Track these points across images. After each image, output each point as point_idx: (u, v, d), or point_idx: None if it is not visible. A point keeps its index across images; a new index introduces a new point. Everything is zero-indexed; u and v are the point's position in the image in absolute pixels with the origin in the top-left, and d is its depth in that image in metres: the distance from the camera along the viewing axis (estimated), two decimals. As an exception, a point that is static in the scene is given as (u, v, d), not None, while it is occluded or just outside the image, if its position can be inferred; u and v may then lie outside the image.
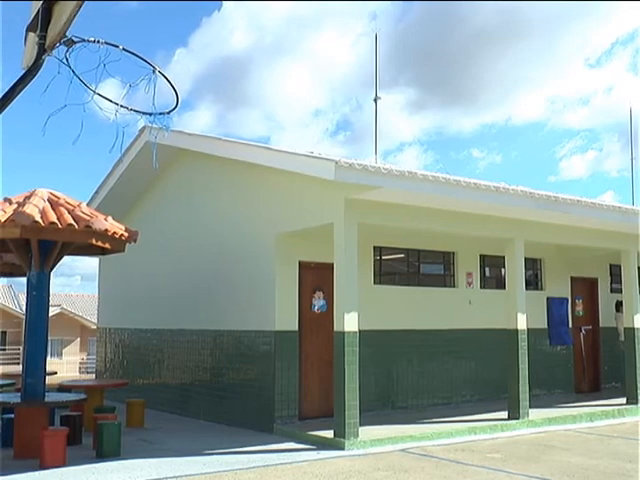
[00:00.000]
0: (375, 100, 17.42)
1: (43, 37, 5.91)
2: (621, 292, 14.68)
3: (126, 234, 10.09)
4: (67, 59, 6.60)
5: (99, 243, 9.67)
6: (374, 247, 12.61)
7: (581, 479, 8.05)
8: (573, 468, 8.66)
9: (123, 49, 7.06)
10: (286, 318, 11.31)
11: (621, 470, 8.60)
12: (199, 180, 13.72)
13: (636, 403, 13.71)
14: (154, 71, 7.41)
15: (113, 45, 6.94)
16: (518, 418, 11.73)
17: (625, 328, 14.43)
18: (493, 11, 46.46)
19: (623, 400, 13.99)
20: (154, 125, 8.00)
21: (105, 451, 9.31)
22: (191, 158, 13.65)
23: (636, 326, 14.12)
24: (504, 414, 11.95)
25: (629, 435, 11.39)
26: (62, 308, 45.63)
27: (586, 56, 60.98)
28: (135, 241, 10.45)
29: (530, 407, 12.00)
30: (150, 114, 7.79)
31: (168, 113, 7.88)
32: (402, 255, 13.29)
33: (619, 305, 15.60)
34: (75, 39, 6.42)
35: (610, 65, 61.35)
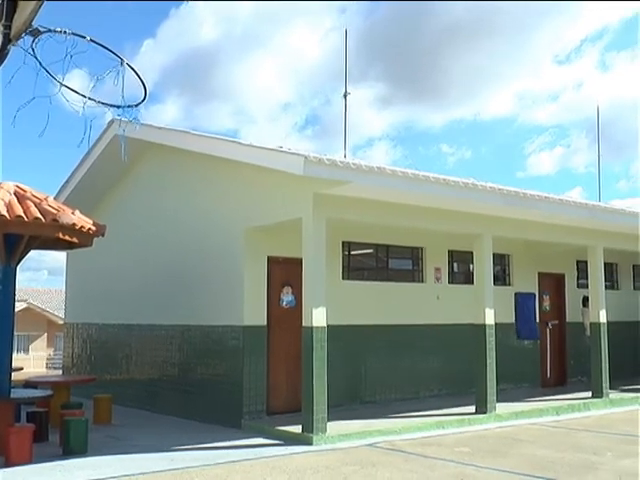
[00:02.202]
0: (345, 96, 17.43)
1: (8, 27, 5.81)
2: (587, 287, 14.88)
3: (94, 228, 10.00)
4: (33, 50, 6.50)
5: (66, 237, 9.57)
6: (343, 242, 12.64)
7: (548, 472, 8.13)
8: (540, 461, 8.74)
9: (90, 40, 6.97)
10: (254, 313, 11.28)
11: (587, 462, 8.70)
12: (168, 174, 13.63)
13: (601, 397, 13.89)
14: (122, 63, 7.32)
15: (80, 36, 6.84)
16: (485, 412, 11.81)
17: (591, 323, 14.61)
18: (464, 7, 46.73)
19: (589, 394, 14.17)
20: (122, 118, 7.92)
21: (72, 448, 9.22)
22: (160, 152, 13.55)
23: (602, 321, 14.29)
24: (472, 408, 12.03)
25: (594, 428, 11.52)
26: (29, 303, 45.16)
27: (556, 53, 61.65)
28: (103, 235, 10.36)
29: (497, 401, 12.10)
30: (118, 107, 7.70)
31: (136, 106, 7.80)
32: (371, 250, 13.33)
33: (585, 300, 15.77)
34: (41, 29, 6.31)
35: (579, 62, 62.15)
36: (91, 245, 10.48)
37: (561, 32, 52.95)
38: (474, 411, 11.94)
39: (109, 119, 13.44)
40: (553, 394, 14.48)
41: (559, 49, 60.92)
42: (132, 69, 7.44)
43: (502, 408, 12.16)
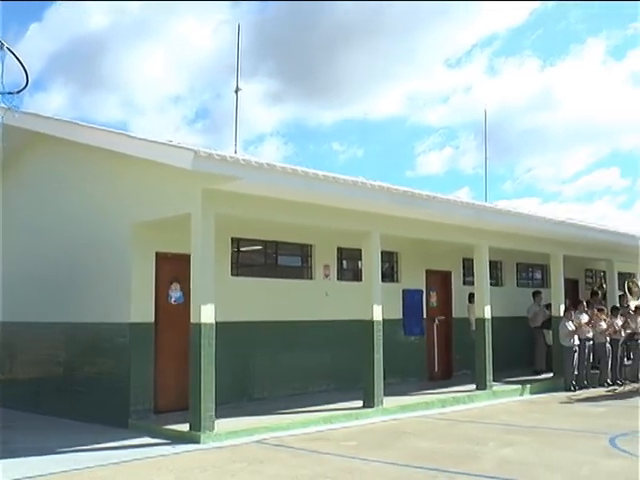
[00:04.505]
0: (236, 91, 17.34)
1: None
2: (473, 284, 15.31)
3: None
4: None
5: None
6: (232, 238, 12.56)
7: (432, 462, 8.31)
8: (424, 452, 8.96)
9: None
10: (142, 310, 11.08)
11: (469, 452, 8.97)
12: (57, 165, 13.18)
13: (485, 389, 14.36)
14: (2, 47, 7.07)
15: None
16: (373, 406, 11.98)
17: (476, 319, 15.05)
18: (355, 6, 47.20)
19: (473, 386, 14.62)
20: (2, 105, 7.65)
21: (-54, 452, 8.82)
22: (48, 142, 13.04)
23: (487, 316, 14.76)
24: (359, 403, 12.18)
25: (478, 419, 11.89)
26: None
27: (447, 56, 63.03)
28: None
29: (385, 395, 12.29)
30: (-3, 92, 7.43)
31: (17, 93, 7.55)
32: (260, 247, 13.33)
33: (471, 297, 16.20)
34: None
35: (469, 66, 63.75)
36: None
37: (452, 36, 54.21)
38: (362, 405, 12.10)
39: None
40: (439, 387, 14.81)
41: (450, 53, 62.34)
42: (13, 54, 7.19)
43: (389, 402, 12.36)
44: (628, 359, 17.34)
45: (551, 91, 58.51)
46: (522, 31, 59.79)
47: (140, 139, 10.46)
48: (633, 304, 19.55)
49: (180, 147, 9.59)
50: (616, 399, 14.65)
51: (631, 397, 14.83)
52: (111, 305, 11.37)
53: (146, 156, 10.20)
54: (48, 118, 12.44)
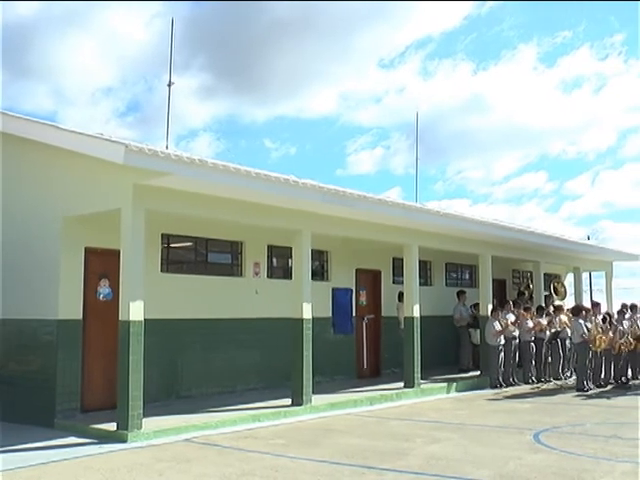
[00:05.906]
0: (169, 85, 17.14)
1: None
2: (403, 284, 15.46)
3: None
4: None
5: None
6: (162, 234, 12.44)
7: (360, 459, 8.37)
8: (353, 449, 9.00)
9: None
10: (70, 306, 10.86)
11: (398, 449, 9.05)
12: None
13: (413, 387, 14.52)
14: None
15: None
16: (301, 404, 12.02)
17: (405, 317, 15.22)
18: (290, 3, 47.24)
19: (401, 384, 14.75)
20: None
21: None
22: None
23: (415, 315, 14.92)
24: (288, 401, 12.21)
25: (406, 417, 12.04)
26: None
27: (381, 57, 63.71)
28: None
29: (313, 393, 12.35)
30: None
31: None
32: (190, 243, 13.22)
33: (401, 296, 16.37)
34: None
35: (402, 67, 64.62)
36: None
37: (386, 37, 54.82)
38: (290, 403, 12.12)
39: None
40: (368, 385, 14.95)
41: (384, 53, 63.02)
42: None
43: (318, 400, 12.42)
44: (552, 357, 17.79)
45: (483, 95, 59.80)
46: (456, 35, 60.90)
47: (70, 131, 10.28)
48: (557, 304, 20.06)
49: (111, 141, 9.45)
50: (540, 396, 15.04)
51: (554, 394, 15.26)
52: (38, 301, 11.11)
53: (76, 149, 10.02)
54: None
